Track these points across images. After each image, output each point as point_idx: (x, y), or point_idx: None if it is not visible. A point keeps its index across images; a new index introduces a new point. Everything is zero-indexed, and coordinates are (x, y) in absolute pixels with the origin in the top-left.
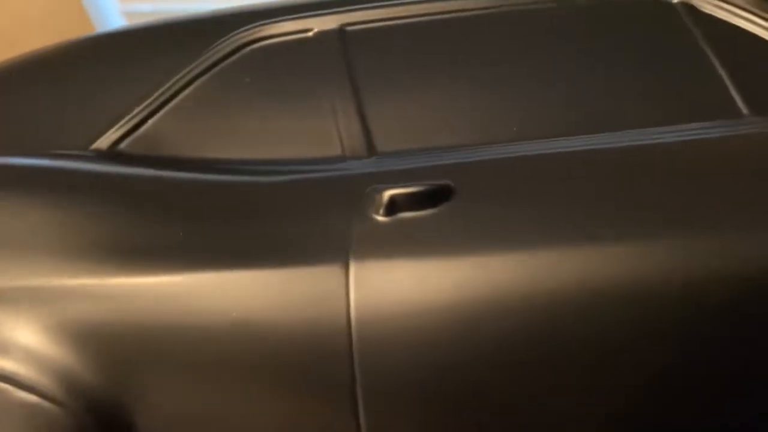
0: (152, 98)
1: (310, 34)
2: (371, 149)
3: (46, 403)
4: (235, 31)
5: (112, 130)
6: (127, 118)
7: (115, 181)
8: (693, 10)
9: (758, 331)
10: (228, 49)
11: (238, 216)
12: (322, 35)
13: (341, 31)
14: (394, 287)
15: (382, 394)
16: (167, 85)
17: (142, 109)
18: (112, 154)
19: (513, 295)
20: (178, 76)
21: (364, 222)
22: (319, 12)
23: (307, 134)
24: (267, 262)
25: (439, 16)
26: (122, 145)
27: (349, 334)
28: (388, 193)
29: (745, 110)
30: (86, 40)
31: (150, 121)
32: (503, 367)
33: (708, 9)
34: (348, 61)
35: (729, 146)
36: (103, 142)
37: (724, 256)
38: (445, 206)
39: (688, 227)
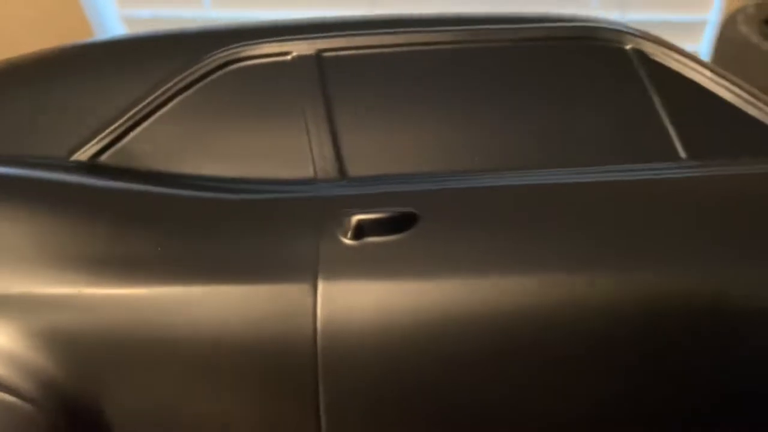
0: (133, 112)
1: (289, 57)
2: (342, 173)
3: (22, 403)
4: (218, 50)
5: (93, 141)
6: (107, 131)
7: (94, 194)
8: (643, 57)
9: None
10: (210, 68)
11: (212, 232)
12: (300, 59)
13: (318, 57)
14: (358, 306)
15: (343, 403)
16: (149, 100)
17: (123, 123)
18: (92, 166)
19: (465, 315)
20: (159, 91)
21: (332, 244)
22: (298, 36)
23: (282, 155)
24: (239, 278)
25: (411, 48)
26: (102, 158)
27: (315, 347)
28: (356, 218)
29: (683, 154)
30: (70, 48)
31: (130, 135)
32: (455, 379)
33: (657, 57)
34: (323, 86)
35: (663, 187)
36: (84, 154)
37: (652, 288)
38: (409, 232)
39: (626, 259)
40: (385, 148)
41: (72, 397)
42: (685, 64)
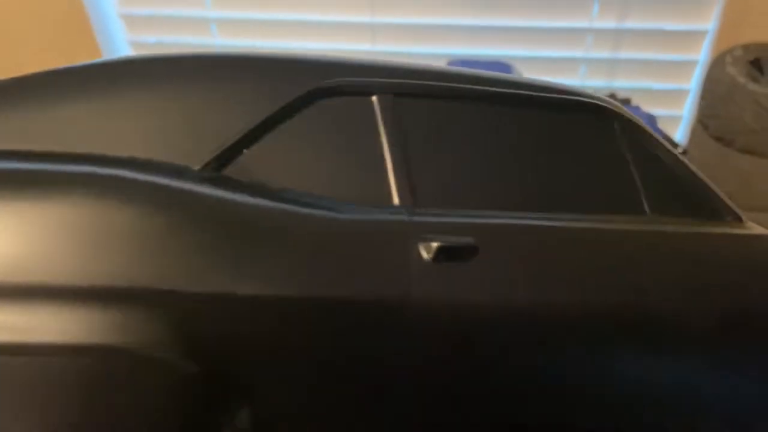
0: (250, 129)
1: (373, 97)
2: (417, 203)
3: (181, 380)
4: (317, 81)
5: (217, 154)
6: (229, 145)
7: (224, 205)
8: (624, 131)
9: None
10: (309, 98)
11: (321, 245)
12: (381, 99)
13: (396, 99)
14: (441, 313)
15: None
16: (262, 119)
17: (242, 139)
18: (218, 178)
19: (517, 322)
20: (270, 113)
21: (419, 261)
22: (380, 80)
23: (368, 183)
24: (346, 287)
25: (473, 103)
26: (225, 171)
27: (407, 348)
28: (436, 244)
29: (647, 209)
30: (190, 58)
31: (247, 151)
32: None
33: (634, 132)
34: (400, 125)
35: (630, 235)
36: (209, 165)
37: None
38: (476, 259)
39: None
40: (447, 186)
41: (215, 382)
42: (649, 141)
